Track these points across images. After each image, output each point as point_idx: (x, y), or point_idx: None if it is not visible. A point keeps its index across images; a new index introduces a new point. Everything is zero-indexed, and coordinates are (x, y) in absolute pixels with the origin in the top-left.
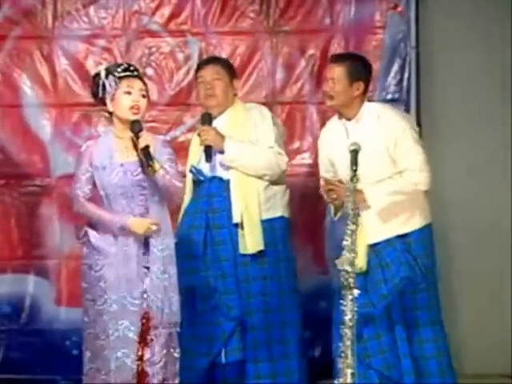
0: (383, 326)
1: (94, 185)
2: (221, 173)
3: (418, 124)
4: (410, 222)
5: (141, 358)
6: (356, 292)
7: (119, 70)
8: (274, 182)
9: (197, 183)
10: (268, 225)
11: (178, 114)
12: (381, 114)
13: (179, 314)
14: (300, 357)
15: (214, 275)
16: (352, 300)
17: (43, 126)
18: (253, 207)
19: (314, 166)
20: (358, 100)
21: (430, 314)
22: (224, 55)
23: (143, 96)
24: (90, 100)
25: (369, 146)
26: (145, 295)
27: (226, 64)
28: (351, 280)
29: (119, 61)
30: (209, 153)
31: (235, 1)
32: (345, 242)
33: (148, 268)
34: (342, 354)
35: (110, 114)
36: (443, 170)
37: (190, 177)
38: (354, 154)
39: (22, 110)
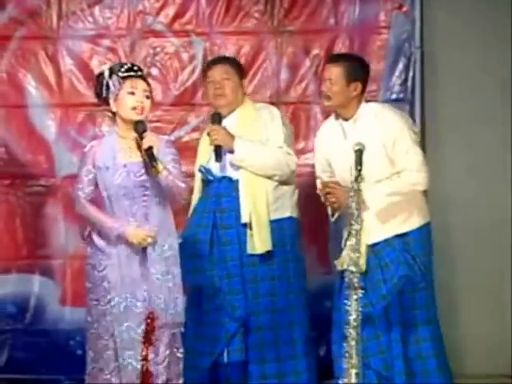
0: (382, 326)
1: (97, 186)
2: (230, 173)
3: (422, 124)
4: (409, 222)
5: (145, 358)
6: (360, 292)
7: (123, 69)
8: (283, 183)
9: (206, 182)
10: (276, 225)
11: (182, 113)
12: (378, 115)
13: (183, 314)
14: (309, 357)
15: (220, 275)
16: (356, 300)
17: (48, 126)
18: (261, 207)
19: None
20: (356, 100)
21: (427, 313)
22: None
23: (147, 97)
24: (95, 100)
25: (367, 147)
26: (147, 296)
27: (234, 63)
28: (355, 280)
29: (124, 61)
30: (218, 152)
31: (240, 1)
32: (349, 242)
33: (151, 269)
34: (347, 354)
35: (114, 114)
36: (447, 169)
37: (198, 176)
38: (359, 153)
39: (26, 110)
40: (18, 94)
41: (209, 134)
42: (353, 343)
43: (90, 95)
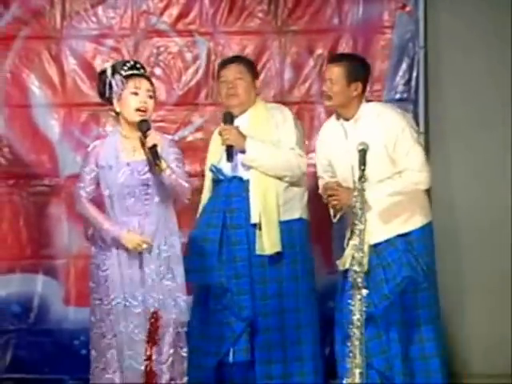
0: (384, 326)
1: (98, 185)
2: (241, 173)
3: (426, 123)
4: (411, 221)
5: (149, 358)
6: (364, 292)
7: (125, 68)
8: (293, 184)
9: (216, 182)
10: (286, 226)
11: (186, 113)
12: (379, 114)
13: (187, 313)
14: (316, 358)
15: (228, 275)
16: (360, 300)
17: (52, 125)
18: (271, 208)
19: None
20: (357, 100)
21: (430, 313)
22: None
23: (150, 97)
24: (99, 100)
25: (369, 147)
26: (147, 296)
27: (248, 63)
28: (359, 280)
29: None
30: (230, 152)
31: (243, 1)
32: (352, 242)
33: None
34: (350, 354)
35: (117, 113)
36: (451, 168)
37: (209, 175)
38: (363, 153)
39: (30, 110)
40: (22, 93)
41: (220, 134)
42: (357, 343)
43: (93, 95)
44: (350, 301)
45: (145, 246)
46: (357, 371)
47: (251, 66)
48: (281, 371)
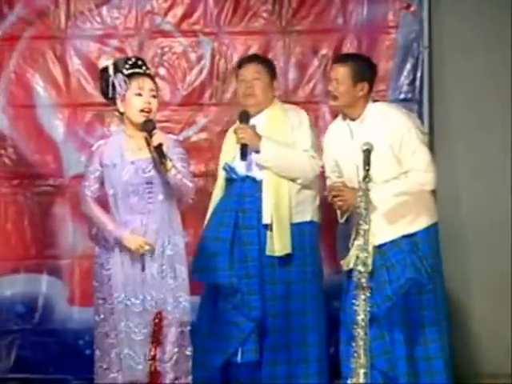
0: (387, 327)
1: (103, 184)
2: (254, 173)
3: (431, 123)
4: (416, 222)
5: (153, 358)
6: (369, 292)
7: (127, 66)
8: (305, 187)
9: (229, 181)
10: (297, 228)
11: (190, 113)
12: (385, 114)
13: (189, 312)
14: (321, 361)
15: (239, 275)
16: (364, 300)
17: (56, 126)
18: (283, 209)
19: None
20: (363, 100)
21: (436, 314)
22: (236, 55)
23: (153, 96)
24: (103, 100)
25: (374, 147)
26: (149, 295)
27: (267, 63)
28: (364, 280)
29: None
30: (244, 151)
31: (248, 1)
32: (356, 242)
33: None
34: (355, 354)
35: (121, 113)
36: (455, 169)
37: (222, 174)
38: (367, 153)
39: (34, 110)
40: (26, 93)
41: (236, 132)
42: (361, 343)
43: (97, 95)
44: (354, 301)
45: (147, 247)
46: (361, 371)
47: (270, 67)
48: (285, 372)
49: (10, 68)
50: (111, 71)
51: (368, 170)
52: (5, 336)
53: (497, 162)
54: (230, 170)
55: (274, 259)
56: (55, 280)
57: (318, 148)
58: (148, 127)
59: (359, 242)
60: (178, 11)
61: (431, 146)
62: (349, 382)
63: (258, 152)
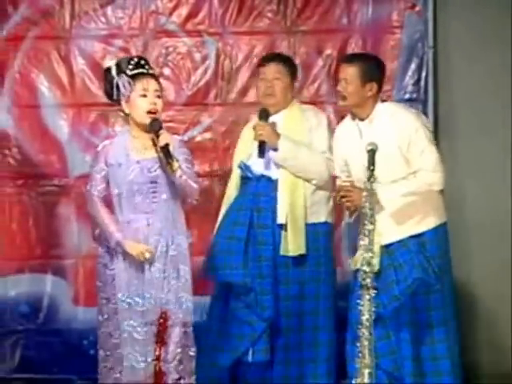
0: (393, 327)
1: (108, 184)
2: (270, 172)
3: (435, 123)
4: (424, 222)
5: (157, 358)
6: (373, 292)
7: (131, 66)
8: (320, 187)
9: (244, 180)
10: (312, 229)
11: (195, 113)
12: (394, 114)
13: (192, 313)
14: (330, 361)
15: (252, 274)
16: (369, 300)
17: (61, 126)
18: (298, 210)
19: None
20: (371, 100)
21: (443, 315)
22: (241, 55)
23: (158, 96)
24: (108, 100)
25: (382, 147)
26: (152, 295)
27: (288, 63)
28: (368, 280)
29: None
30: (262, 149)
31: (252, 1)
32: (361, 242)
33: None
34: (360, 354)
35: (126, 114)
36: (460, 168)
37: (237, 173)
38: (372, 153)
39: (39, 110)
40: (31, 94)
41: (254, 129)
42: (366, 343)
43: (102, 95)
44: (358, 301)
45: (147, 255)
46: (366, 371)
47: (291, 66)
48: (297, 372)
49: (15, 68)
50: (114, 72)
51: (373, 170)
52: (9, 336)
53: (503, 162)
54: (245, 168)
55: (287, 259)
56: (60, 280)
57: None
58: (155, 127)
59: (364, 242)
60: (183, 11)
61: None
62: (353, 382)
63: (275, 150)
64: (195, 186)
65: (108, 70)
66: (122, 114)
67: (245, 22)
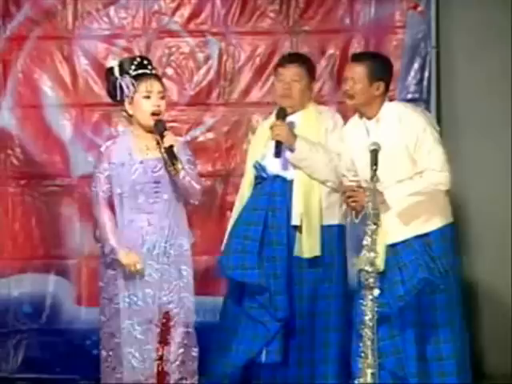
0: (398, 327)
1: (111, 184)
2: (286, 172)
3: (438, 123)
4: (430, 222)
5: (160, 358)
6: (376, 292)
7: (133, 66)
8: (335, 189)
9: (258, 180)
10: (326, 231)
11: (197, 113)
12: (401, 114)
13: (194, 313)
14: (341, 361)
15: (267, 274)
16: (372, 300)
17: (63, 126)
18: (313, 211)
19: None
20: (379, 100)
21: (449, 315)
22: (244, 55)
23: (162, 97)
24: (110, 100)
25: (389, 146)
26: (154, 295)
27: (307, 65)
28: (371, 280)
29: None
30: (279, 149)
31: (255, 1)
32: (364, 242)
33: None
34: (362, 354)
35: (130, 115)
36: (463, 168)
37: (251, 172)
38: (374, 153)
39: (42, 110)
40: (34, 93)
41: (271, 129)
42: (368, 343)
43: (105, 95)
44: (361, 301)
45: (139, 266)
46: (369, 371)
47: (310, 68)
48: (309, 373)
49: (18, 68)
50: (117, 73)
51: (375, 170)
52: (12, 336)
53: (505, 161)
54: (260, 168)
55: (302, 260)
56: (62, 280)
57: None
58: (159, 129)
59: (367, 242)
60: (186, 11)
61: None
62: (356, 382)
63: (292, 151)
64: (198, 186)
65: (111, 70)
66: (125, 115)
67: (247, 22)
